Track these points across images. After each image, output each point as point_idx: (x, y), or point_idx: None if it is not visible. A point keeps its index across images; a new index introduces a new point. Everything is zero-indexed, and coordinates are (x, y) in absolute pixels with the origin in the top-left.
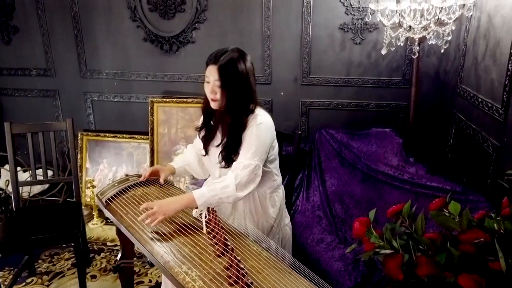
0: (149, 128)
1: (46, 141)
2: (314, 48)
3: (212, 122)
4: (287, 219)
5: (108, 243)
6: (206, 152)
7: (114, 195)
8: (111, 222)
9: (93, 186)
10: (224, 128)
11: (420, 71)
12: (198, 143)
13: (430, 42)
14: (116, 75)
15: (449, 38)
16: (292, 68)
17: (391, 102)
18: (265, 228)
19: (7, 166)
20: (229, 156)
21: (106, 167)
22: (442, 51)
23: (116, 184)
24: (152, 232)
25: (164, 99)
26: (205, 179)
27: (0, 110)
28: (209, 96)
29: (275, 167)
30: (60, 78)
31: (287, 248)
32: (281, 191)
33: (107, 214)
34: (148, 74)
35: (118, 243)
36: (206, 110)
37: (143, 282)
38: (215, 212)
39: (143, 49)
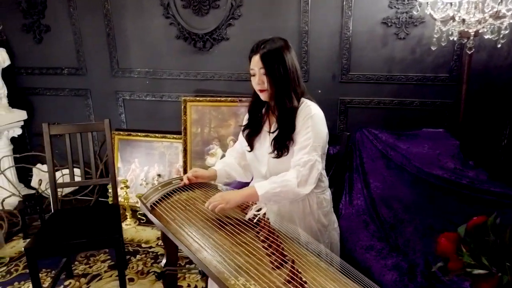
0: (182, 128)
1: (78, 142)
2: (354, 43)
3: (259, 117)
4: (335, 223)
5: (143, 245)
6: (252, 147)
7: (159, 199)
8: (145, 222)
9: (127, 187)
10: (275, 117)
11: (471, 67)
12: (238, 145)
13: (487, 37)
14: (148, 74)
15: (507, 32)
16: (330, 65)
17: (436, 100)
18: (313, 233)
19: (39, 165)
20: (282, 143)
21: (137, 167)
22: (499, 45)
23: (159, 188)
24: (202, 240)
25: (198, 98)
26: (239, 182)
27: (31, 110)
28: (257, 87)
29: (322, 168)
30: (92, 77)
31: (335, 254)
32: (329, 193)
33: (152, 219)
34: (180, 73)
35: (153, 244)
36: (253, 109)
37: (182, 286)
38: (268, 220)
39: (176, 47)
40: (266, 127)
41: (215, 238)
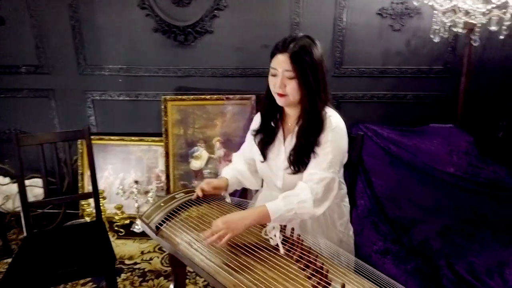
0: (163, 129)
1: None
2: (348, 36)
3: (272, 124)
4: (351, 231)
5: (127, 261)
6: (265, 157)
7: (165, 218)
8: (124, 235)
9: (103, 198)
10: (294, 128)
11: (471, 60)
12: (247, 151)
13: (492, 28)
14: (121, 71)
15: (509, 23)
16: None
17: (430, 93)
18: (335, 244)
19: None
20: (300, 159)
21: (111, 174)
22: (502, 37)
23: (162, 204)
24: (230, 265)
25: (179, 97)
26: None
27: None
28: (276, 90)
29: (341, 176)
30: (55, 75)
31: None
32: (347, 200)
33: (161, 242)
34: (158, 69)
35: (138, 260)
36: (267, 112)
37: None
38: (299, 236)
39: (153, 40)
40: (280, 135)
41: (243, 262)
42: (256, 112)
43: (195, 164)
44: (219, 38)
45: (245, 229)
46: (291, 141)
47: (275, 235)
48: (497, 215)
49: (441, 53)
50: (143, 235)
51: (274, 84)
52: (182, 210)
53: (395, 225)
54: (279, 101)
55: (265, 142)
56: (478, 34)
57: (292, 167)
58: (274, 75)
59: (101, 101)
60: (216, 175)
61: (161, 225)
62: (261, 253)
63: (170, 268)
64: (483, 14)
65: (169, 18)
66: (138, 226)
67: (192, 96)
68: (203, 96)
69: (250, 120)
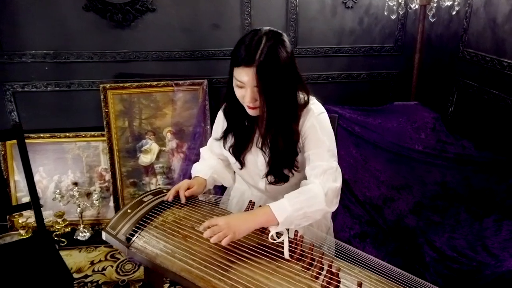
0: (104, 123)
1: None
2: (301, 14)
3: (247, 127)
4: (330, 218)
5: (75, 275)
6: (242, 165)
7: (136, 226)
8: (66, 245)
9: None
10: (267, 140)
11: (423, 36)
12: (216, 147)
13: (447, 3)
14: (47, 57)
15: None
16: None
17: (382, 71)
18: (318, 235)
19: None
20: (279, 172)
21: (44, 177)
22: (454, 13)
23: (129, 211)
24: (227, 276)
25: (121, 85)
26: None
27: None
28: (246, 103)
29: None
30: None
31: (332, 249)
32: None
33: (135, 256)
34: (93, 54)
35: (88, 272)
36: (233, 115)
37: None
38: (299, 235)
39: (85, 21)
40: (257, 134)
41: (242, 269)
42: (216, 103)
43: (145, 159)
44: (163, 17)
45: (248, 232)
46: (266, 156)
47: (283, 240)
48: (466, 189)
49: (392, 31)
50: (89, 243)
51: (243, 97)
52: (155, 215)
53: (367, 206)
54: (251, 112)
55: (239, 150)
56: (434, 10)
57: (270, 177)
58: (240, 87)
59: (24, 93)
60: (169, 169)
61: (133, 235)
62: (261, 257)
63: (123, 278)
64: None
65: None
66: (83, 234)
67: (136, 84)
68: (148, 83)
69: (203, 107)
